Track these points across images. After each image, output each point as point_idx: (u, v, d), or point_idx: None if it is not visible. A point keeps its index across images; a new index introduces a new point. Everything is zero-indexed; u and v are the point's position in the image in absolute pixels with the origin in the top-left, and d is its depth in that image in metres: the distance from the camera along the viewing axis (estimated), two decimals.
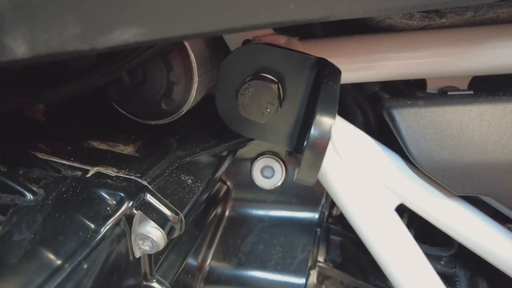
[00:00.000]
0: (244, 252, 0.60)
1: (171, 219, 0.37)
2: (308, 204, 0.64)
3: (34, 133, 0.47)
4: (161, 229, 0.37)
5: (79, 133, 0.49)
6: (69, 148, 0.44)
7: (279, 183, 0.64)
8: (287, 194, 0.65)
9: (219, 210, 0.63)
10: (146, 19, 0.26)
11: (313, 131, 0.31)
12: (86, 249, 0.32)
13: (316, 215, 0.64)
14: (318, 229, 0.63)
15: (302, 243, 0.61)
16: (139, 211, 0.37)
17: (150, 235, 0.36)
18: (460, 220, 0.51)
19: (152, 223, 0.37)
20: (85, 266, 0.31)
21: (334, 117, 0.31)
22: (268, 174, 0.64)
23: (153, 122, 0.50)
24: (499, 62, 0.50)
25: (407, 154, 0.48)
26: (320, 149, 0.31)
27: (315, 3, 0.29)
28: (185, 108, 0.48)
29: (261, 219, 0.64)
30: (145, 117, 0.50)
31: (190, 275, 0.55)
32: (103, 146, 0.47)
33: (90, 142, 0.47)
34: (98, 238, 0.33)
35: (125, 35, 0.26)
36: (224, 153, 0.53)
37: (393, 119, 0.48)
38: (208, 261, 0.59)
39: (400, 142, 0.48)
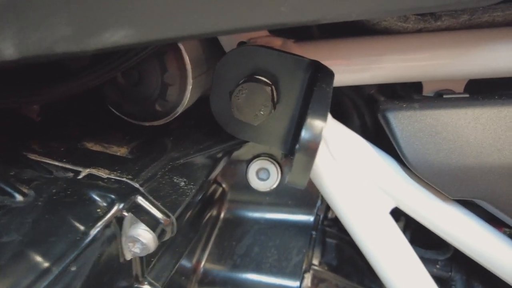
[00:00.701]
0: (239, 254, 0.60)
1: (162, 221, 0.37)
2: (303, 206, 0.64)
3: (28, 134, 0.47)
4: (152, 232, 0.37)
5: (73, 134, 0.49)
6: (62, 149, 0.44)
7: (274, 185, 0.63)
8: (283, 196, 0.65)
9: (214, 212, 0.63)
10: (136, 21, 0.26)
11: (303, 134, 0.30)
12: (75, 251, 0.31)
13: (311, 218, 0.64)
14: (314, 232, 0.63)
15: (298, 245, 0.61)
16: (129, 213, 0.37)
17: (141, 238, 0.36)
18: (455, 225, 0.51)
19: (143, 226, 0.37)
20: (74, 268, 0.31)
21: (325, 120, 0.31)
22: (264, 176, 0.64)
23: (147, 124, 0.50)
24: (495, 65, 0.50)
25: (401, 157, 0.48)
26: (310, 151, 0.31)
27: (306, 6, 0.29)
28: (180, 110, 0.48)
29: (256, 221, 0.64)
30: (139, 119, 0.50)
31: (184, 277, 0.55)
32: (97, 148, 0.47)
33: (84, 143, 0.47)
34: (88, 240, 0.33)
35: (115, 36, 0.26)
36: (219, 155, 0.53)
37: (388, 122, 0.48)
38: (203, 263, 0.59)
39: (395, 145, 0.48)
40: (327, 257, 0.62)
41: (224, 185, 0.64)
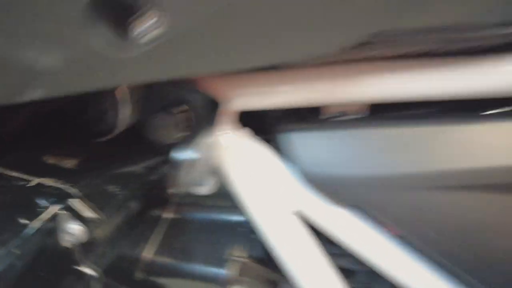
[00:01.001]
0: (179, 248, 0.72)
1: (92, 219, 0.49)
2: (237, 207, 0.75)
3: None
4: (83, 226, 0.49)
5: (35, 149, 0.61)
6: (22, 162, 0.56)
7: (213, 189, 0.75)
8: (221, 198, 0.76)
9: (157, 212, 0.75)
10: (45, 82, 0.37)
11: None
12: (18, 239, 0.43)
13: (243, 217, 0.75)
14: (243, 228, 0.74)
15: (230, 241, 0.72)
16: (66, 212, 0.49)
17: (73, 231, 0.48)
18: (349, 231, 0.62)
19: (76, 222, 0.49)
20: (18, 252, 0.43)
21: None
22: (203, 181, 0.75)
23: (94, 140, 0.62)
24: (380, 93, 0.60)
25: (298, 173, 0.59)
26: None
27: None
28: (118, 130, 0.60)
29: (197, 221, 0.76)
30: (86, 136, 0.62)
31: (128, 265, 0.67)
32: (52, 160, 0.59)
33: (43, 157, 0.59)
34: (30, 232, 0.45)
35: (36, 93, 0.37)
36: (156, 165, 0.65)
37: (286, 142, 0.59)
38: (146, 254, 0.71)
39: (292, 163, 0.59)
40: (255, 250, 0.74)
41: (167, 189, 0.76)
